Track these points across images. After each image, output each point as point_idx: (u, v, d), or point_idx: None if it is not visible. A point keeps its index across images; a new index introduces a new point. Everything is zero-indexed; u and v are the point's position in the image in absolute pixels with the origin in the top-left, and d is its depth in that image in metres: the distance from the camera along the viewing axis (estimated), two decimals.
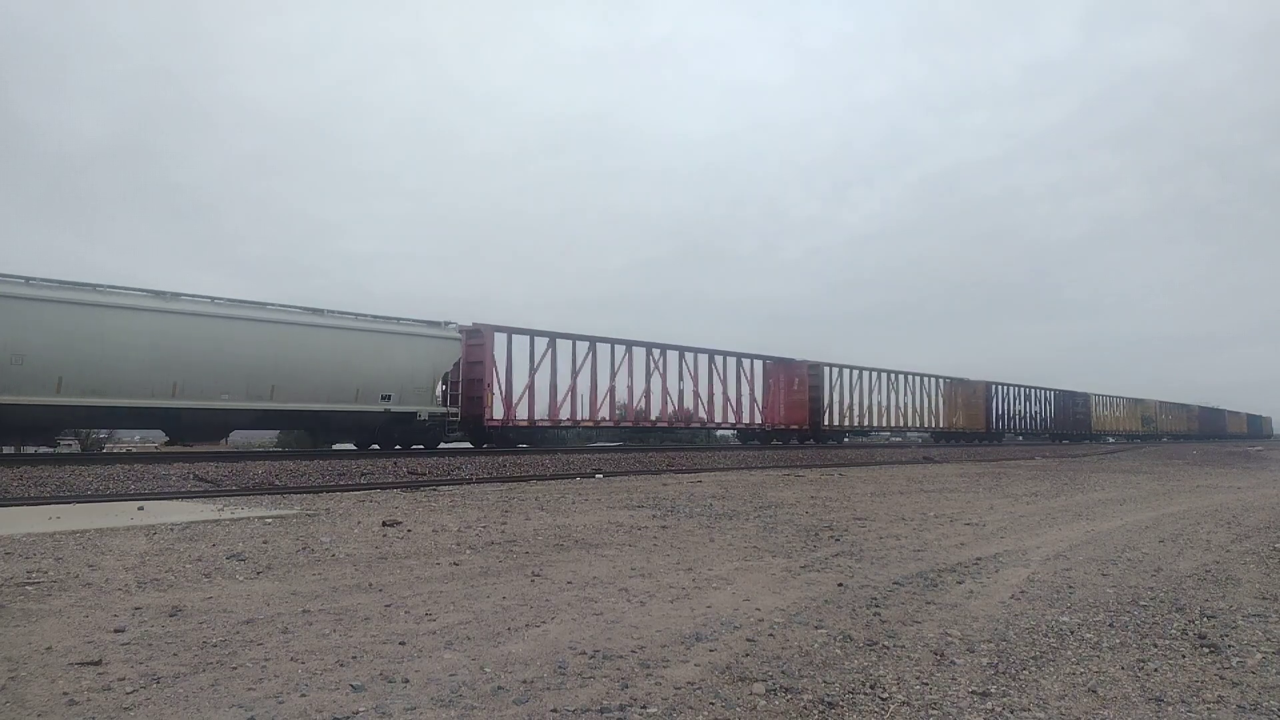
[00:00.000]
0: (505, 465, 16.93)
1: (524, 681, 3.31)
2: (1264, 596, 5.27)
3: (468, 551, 6.41)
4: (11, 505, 9.34)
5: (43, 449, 16.41)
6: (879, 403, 35.84)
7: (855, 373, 34.53)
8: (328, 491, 11.47)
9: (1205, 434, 76.03)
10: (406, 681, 3.29)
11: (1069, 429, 51.26)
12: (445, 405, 20.54)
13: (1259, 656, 3.88)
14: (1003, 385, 45.14)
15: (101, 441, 27.00)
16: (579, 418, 23.61)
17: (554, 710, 3.00)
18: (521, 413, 21.99)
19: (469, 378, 21.03)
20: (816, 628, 4.24)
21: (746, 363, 29.99)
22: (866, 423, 35.16)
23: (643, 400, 25.62)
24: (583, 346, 23.88)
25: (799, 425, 31.58)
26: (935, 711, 3.07)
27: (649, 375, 25.81)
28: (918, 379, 38.42)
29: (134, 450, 21.94)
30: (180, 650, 3.67)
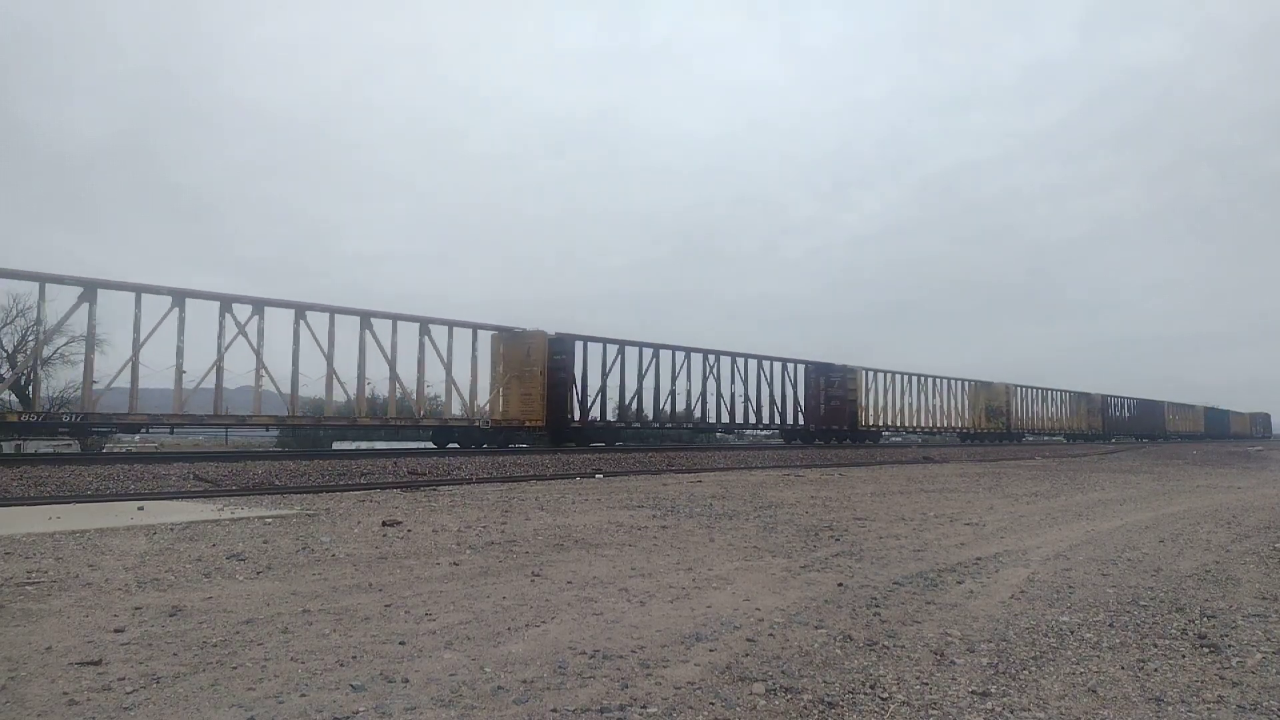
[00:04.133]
0: (505, 465, 16.93)
1: (524, 681, 3.31)
2: (1264, 596, 5.27)
3: (468, 551, 6.41)
4: (11, 505, 9.34)
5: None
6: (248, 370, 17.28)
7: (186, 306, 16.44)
8: (328, 491, 11.46)
9: (1120, 434, 56.77)
10: (406, 681, 3.29)
11: (821, 423, 33.12)
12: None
13: (1259, 656, 3.87)
14: (594, 340, 24.44)
15: (101, 441, 27.00)
16: None
17: (554, 710, 3.00)
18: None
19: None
20: (817, 628, 4.23)
21: None
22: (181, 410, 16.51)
23: None
24: None
25: None
26: (935, 711, 3.07)
27: None
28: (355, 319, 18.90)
29: (134, 450, 21.94)
30: (180, 650, 3.67)
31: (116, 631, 3.96)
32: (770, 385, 30.98)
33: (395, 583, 5.20)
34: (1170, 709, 3.16)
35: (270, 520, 8.09)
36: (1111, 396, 56.56)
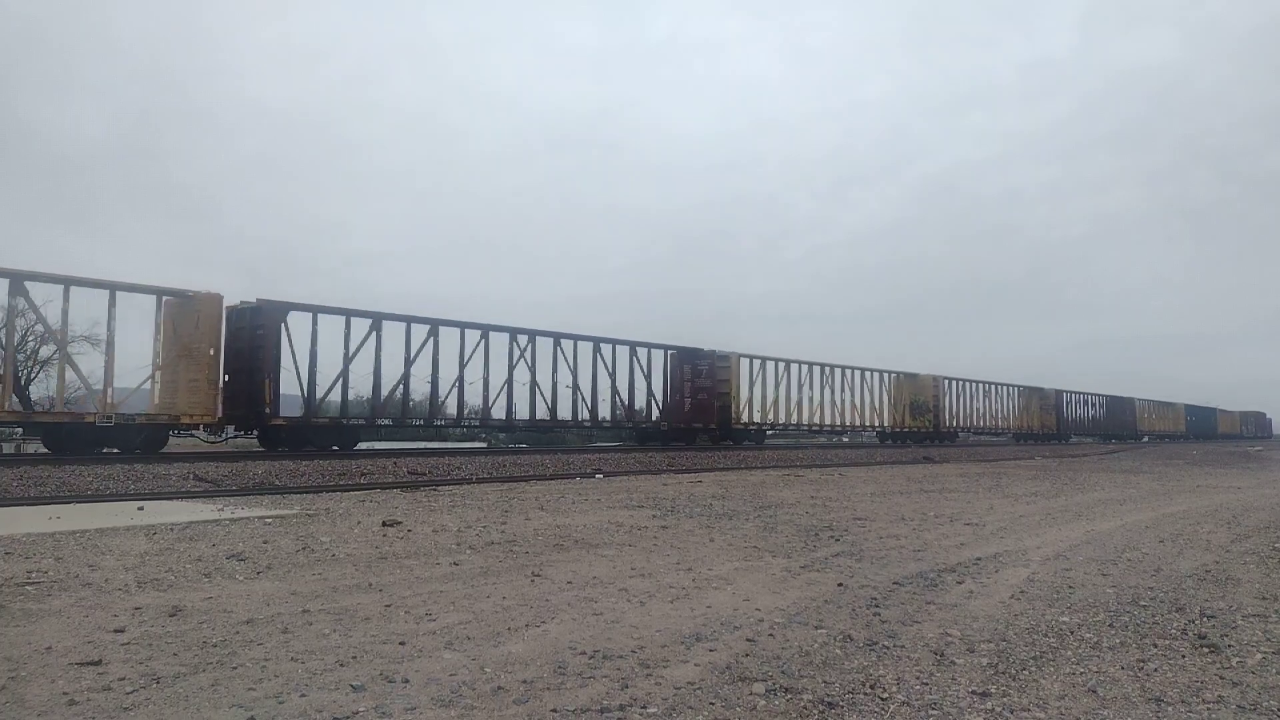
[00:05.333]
0: (505, 465, 16.93)
1: (524, 681, 3.31)
2: (1264, 596, 5.27)
3: (468, 551, 6.41)
4: (11, 505, 9.34)
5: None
6: None
7: None
8: (328, 491, 11.47)
9: (1080, 434, 51.22)
10: (406, 681, 3.29)
11: (684, 420, 28.07)
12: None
13: (1259, 656, 3.87)
14: (330, 312, 18.82)
15: None
16: None
17: (554, 710, 3.00)
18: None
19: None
20: (816, 628, 4.23)
21: None
22: None
23: None
24: None
25: None
26: (935, 711, 3.07)
27: None
28: None
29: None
30: (180, 650, 3.67)
31: (116, 631, 3.96)
32: (614, 375, 25.30)
33: (395, 583, 5.20)
34: (1170, 709, 3.16)
35: (270, 520, 8.09)
36: (1068, 392, 50.60)
